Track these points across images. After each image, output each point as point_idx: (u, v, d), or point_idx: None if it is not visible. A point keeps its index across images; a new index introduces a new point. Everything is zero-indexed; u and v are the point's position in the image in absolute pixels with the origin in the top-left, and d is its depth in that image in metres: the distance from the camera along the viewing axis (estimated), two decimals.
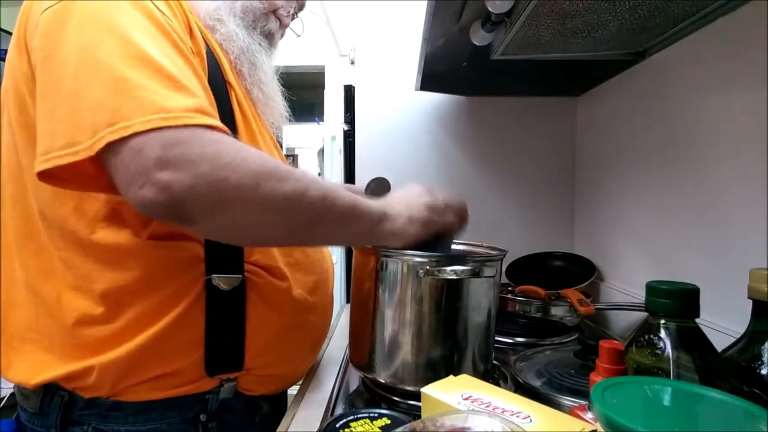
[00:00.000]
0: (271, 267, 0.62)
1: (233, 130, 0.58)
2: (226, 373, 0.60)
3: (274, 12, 0.73)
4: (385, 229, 0.58)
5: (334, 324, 1.16)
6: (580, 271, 1.15)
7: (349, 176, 1.40)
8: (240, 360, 0.60)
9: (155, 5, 0.53)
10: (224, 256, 0.57)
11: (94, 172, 0.47)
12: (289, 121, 0.81)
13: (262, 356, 0.62)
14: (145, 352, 0.55)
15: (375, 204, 0.58)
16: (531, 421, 0.40)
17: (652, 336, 0.45)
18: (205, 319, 0.57)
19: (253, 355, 0.61)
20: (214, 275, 0.57)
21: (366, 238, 0.61)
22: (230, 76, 0.63)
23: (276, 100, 0.74)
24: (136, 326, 0.55)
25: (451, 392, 0.45)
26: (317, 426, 0.61)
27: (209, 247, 0.57)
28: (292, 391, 0.79)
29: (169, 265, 0.56)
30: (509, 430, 0.34)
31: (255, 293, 0.60)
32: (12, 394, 2.01)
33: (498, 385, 0.61)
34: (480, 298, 0.68)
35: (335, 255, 2.15)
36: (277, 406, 0.72)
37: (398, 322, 0.67)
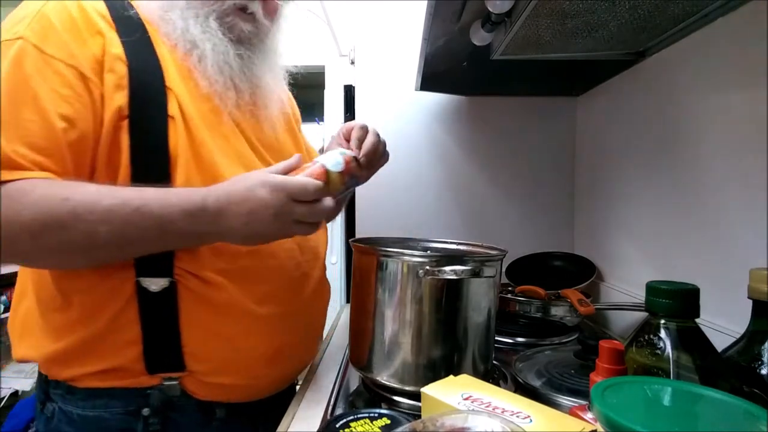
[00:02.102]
0: (198, 274, 0.62)
1: (164, 137, 0.59)
2: (165, 372, 0.62)
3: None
4: (209, 241, 0.60)
5: (334, 324, 1.16)
6: (580, 271, 1.15)
7: None
8: (179, 361, 0.62)
9: (37, 47, 0.55)
10: (152, 260, 0.59)
11: None
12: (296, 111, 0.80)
13: (205, 361, 0.63)
14: (91, 344, 0.60)
15: (194, 216, 0.56)
16: (531, 421, 0.40)
17: (652, 336, 0.45)
18: (140, 318, 0.60)
19: (194, 359, 0.62)
20: (142, 278, 0.60)
21: (191, 244, 0.61)
22: (173, 80, 0.62)
23: (254, 91, 0.72)
24: (82, 319, 0.60)
25: (451, 392, 0.46)
26: (317, 426, 0.61)
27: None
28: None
29: (102, 267, 0.60)
30: (509, 430, 0.34)
31: (189, 297, 0.61)
32: (12, 394, 2.01)
33: (498, 385, 0.61)
34: (480, 298, 0.68)
35: (335, 255, 2.15)
36: (245, 415, 0.69)
37: (398, 322, 0.67)
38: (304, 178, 0.59)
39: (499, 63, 0.97)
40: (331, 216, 0.63)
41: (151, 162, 0.59)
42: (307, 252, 0.73)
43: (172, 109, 0.61)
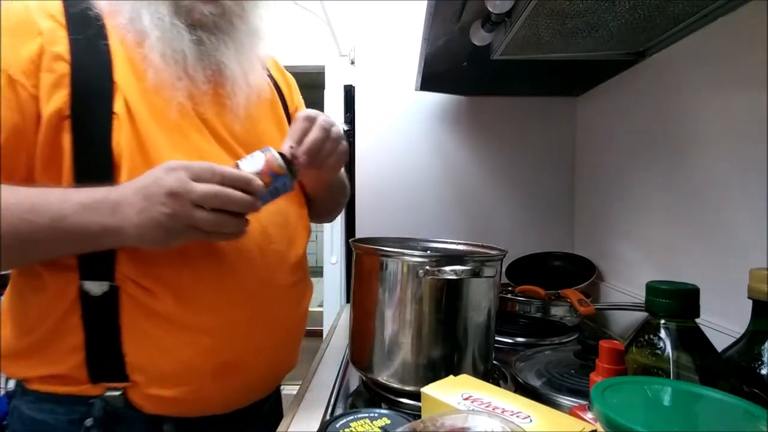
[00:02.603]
0: (138, 280, 0.58)
1: (107, 135, 0.56)
2: (107, 382, 0.59)
3: None
4: (108, 240, 0.55)
5: (334, 324, 1.16)
6: (580, 271, 1.15)
7: (349, 176, 1.40)
8: (121, 371, 0.58)
9: None
10: (93, 263, 0.57)
11: None
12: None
13: (147, 373, 0.59)
14: (39, 346, 0.59)
15: (90, 208, 0.53)
16: (531, 421, 0.40)
17: (652, 336, 0.45)
18: (82, 324, 0.58)
19: (137, 369, 0.59)
20: (84, 281, 0.57)
21: (90, 245, 0.56)
22: (122, 74, 0.59)
23: (219, 80, 0.66)
24: (34, 320, 0.59)
25: (451, 392, 0.46)
26: (317, 426, 0.61)
27: (83, 256, 0.57)
28: (291, 390, 0.78)
29: (47, 270, 0.58)
30: (509, 430, 0.34)
31: (130, 304, 0.58)
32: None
33: (498, 385, 0.61)
34: (480, 298, 0.68)
35: (335, 255, 2.15)
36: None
37: (398, 322, 0.67)
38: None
39: (499, 63, 0.97)
40: (245, 207, 0.55)
41: (94, 162, 0.56)
42: (271, 256, 0.66)
43: (118, 105, 0.57)
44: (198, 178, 0.52)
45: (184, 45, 0.62)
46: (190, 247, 0.58)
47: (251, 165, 0.57)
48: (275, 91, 0.79)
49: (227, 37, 0.67)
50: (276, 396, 0.78)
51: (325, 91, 2.28)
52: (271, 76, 0.79)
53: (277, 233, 0.67)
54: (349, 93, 1.44)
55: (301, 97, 0.88)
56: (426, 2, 0.78)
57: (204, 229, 0.53)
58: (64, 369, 0.58)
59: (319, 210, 0.84)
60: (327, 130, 0.67)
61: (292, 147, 0.64)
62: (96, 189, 0.53)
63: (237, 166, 0.57)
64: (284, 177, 0.59)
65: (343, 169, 0.85)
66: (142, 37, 0.61)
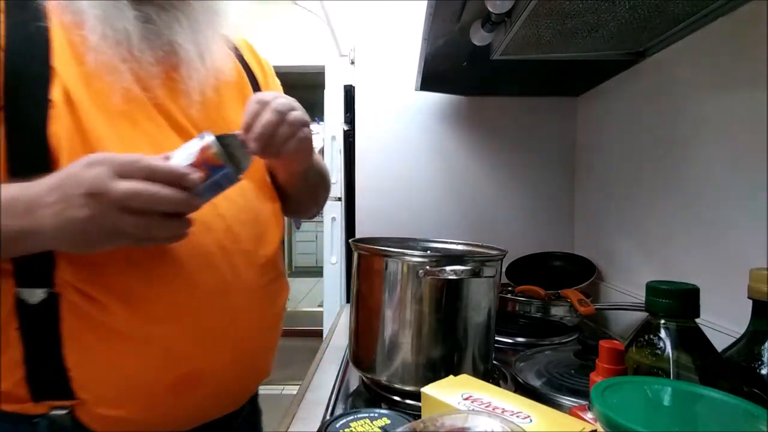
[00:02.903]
0: (80, 287, 0.52)
1: (43, 124, 0.51)
2: (52, 400, 0.53)
3: None
4: (28, 245, 0.49)
5: (334, 324, 1.16)
6: (580, 271, 1.15)
7: (349, 176, 1.40)
8: (65, 387, 0.53)
9: None
10: (30, 269, 0.52)
11: None
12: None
13: (95, 390, 0.53)
14: None
15: (5, 210, 0.46)
16: (531, 421, 0.40)
17: (652, 336, 0.45)
18: (21, 336, 0.52)
19: (82, 386, 0.53)
20: (21, 288, 0.52)
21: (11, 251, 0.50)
22: (62, 59, 0.54)
23: (173, 61, 0.60)
24: None
25: (451, 392, 0.46)
26: (317, 426, 0.61)
27: (18, 260, 0.52)
28: (291, 390, 0.78)
29: None
30: (509, 430, 0.34)
31: (72, 313, 0.52)
32: None
33: (498, 385, 0.61)
34: (480, 298, 0.68)
35: (335, 255, 2.15)
36: None
37: (398, 322, 0.67)
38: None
39: (499, 63, 0.98)
40: (179, 206, 0.49)
41: (29, 155, 0.51)
42: (236, 256, 0.59)
43: (55, 93, 0.52)
44: (121, 174, 0.45)
45: (128, 23, 0.56)
46: (141, 248, 0.52)
47: (184, 156, 0.49)
48: (245, 75, 0.72)
49: (180, 14, 0.60)
50: (250, 407, 0.71)
51: (325, 91, 2.30)
52: (242, 59, 0.73)
53: (244, 231, 0.61)
54: (349, 93, 1.44)
55: (279, 85, 0.81)
56: (426, 2, 0.78)
57: (131, 234, 0.47)
58: (6, 385, 0.52)
59: (295, 205, 0.77)
60: (281, 113, 0.58)
61: (240, 133, 0.56)
62: (12, 185, 0.47)
63: (168, 158, 0.49)
64: (224, 168, 0.50)
65: (324, 161, 0.79)
66: (81, 17, 0.55)
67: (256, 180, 0.67)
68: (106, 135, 0.53)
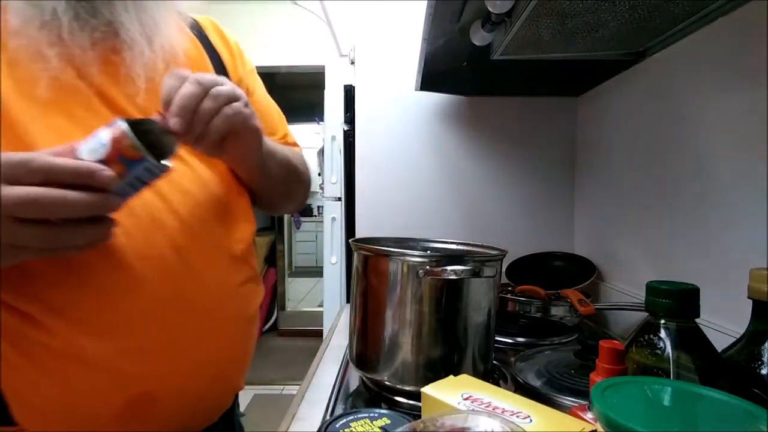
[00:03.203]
0: (12, 303, 0.46)
1: None
2: None
3: None
4: None
5: (334, 324, 1.16)
6: (580, 271, 1.15)
7: (349, 176, 1.40)
8: (4, 414, 0.47)
9: None
10: None
11: None
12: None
13: (35, 416, 0.48)
14: None
15: None
16: (531, 421, 0.40)
17: (652, 336, 0.45)
18: None
19: (21, 412, 0.47)
20: None
21: None
22: None
23: (115, 45, 0.54)
24: None
25: (451, 392, 0.46)
26: (317, 426, 0.61)
27: None
28: (291, 390, 0.78)
29: None
30: (509, 430, 0.34)
31: (4, 333, 0.46)
32: None
33: (498, 385, 0.61)
34: (480, 298, 0.68)
35: (335, 255, 2.15)
36: None
37: (398, 322, 0.67)
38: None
39: (499, 63, 0.97)
40: (90, 209, 0.41)
41: None
42: (196, 259, 0.53)
43: None
44: (12, 179, 0.38)
45: (57, 3, 0.50)
46: (80, 255, 0.45)
47: (93, 149, 0.41)
48: (207, 57, 0.65)
49: None
50: (224, 426, 0.64)
51: (325, 91, 2.30)
52: (206, 40, 0.67)
53: (205, 228, 0.55)
54: (349, 93, 1.45)
55: (252, 66, 0.73)
56: (426, 2, 0.78)
57: (33, 247, 0.40)
58: None
59: (266, 201, 0.71)
60: (203, 86, 0.50)
61: (158, 116, 0.48)
62: None
63: (74, 151, 0.41)
64: (144, 161, 0.43)
65: (299, 152, 0.75)
66: None
67: (219, 170, 0.60)
68: (36, 127, 0.47)
